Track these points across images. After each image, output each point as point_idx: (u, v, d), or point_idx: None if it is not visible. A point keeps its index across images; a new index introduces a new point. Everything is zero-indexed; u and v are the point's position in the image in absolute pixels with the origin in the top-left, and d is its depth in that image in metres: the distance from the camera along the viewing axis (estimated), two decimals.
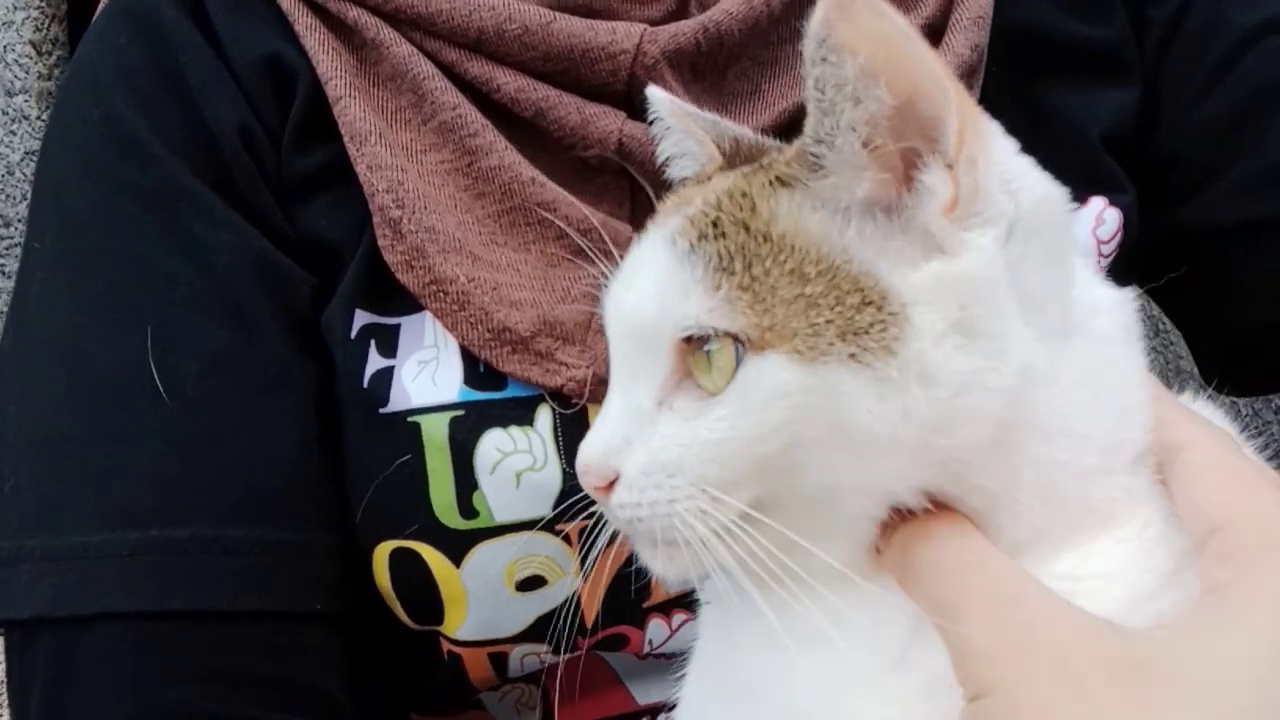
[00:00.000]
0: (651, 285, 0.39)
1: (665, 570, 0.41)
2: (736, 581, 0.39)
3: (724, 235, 0.38)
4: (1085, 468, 0.39)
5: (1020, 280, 0.37)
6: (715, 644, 0.45)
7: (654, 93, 0.49)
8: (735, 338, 0.37)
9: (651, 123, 0.49)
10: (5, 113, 1.38)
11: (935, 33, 0.63)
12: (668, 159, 0.49)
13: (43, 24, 1.44)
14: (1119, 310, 0.42)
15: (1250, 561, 0.35)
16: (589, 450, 0.41)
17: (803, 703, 0.39)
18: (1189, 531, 0.37)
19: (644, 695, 0.62)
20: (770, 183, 0.39)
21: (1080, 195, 0.63)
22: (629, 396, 0.40)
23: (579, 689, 0.61)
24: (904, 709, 0.38)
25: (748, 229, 0.38)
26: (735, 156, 0.45)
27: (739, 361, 0.37)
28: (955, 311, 0.36)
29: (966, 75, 0.62)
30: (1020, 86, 0.66)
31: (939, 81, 0.35)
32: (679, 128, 0.48)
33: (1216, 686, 0.33)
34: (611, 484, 0.40)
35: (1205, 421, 0.41)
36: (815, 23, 0.35)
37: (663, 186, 0.60)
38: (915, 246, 0.37)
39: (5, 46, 1.37)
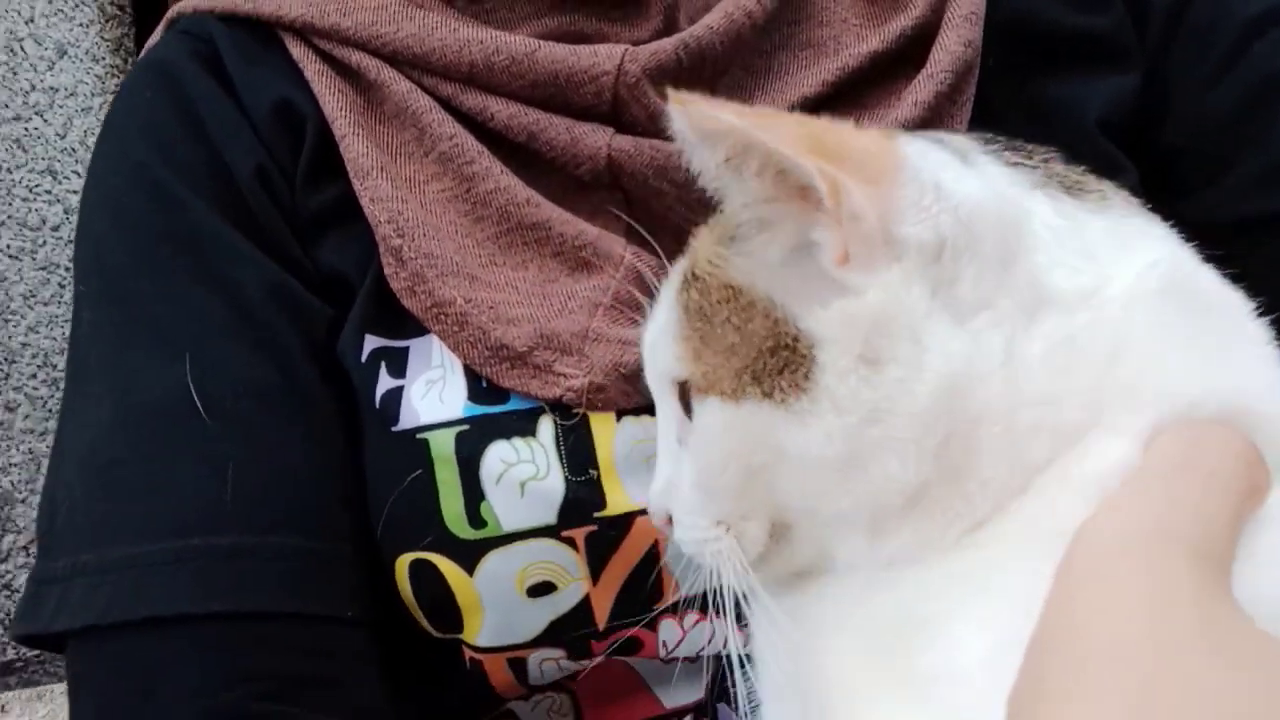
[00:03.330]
0: (657, 331, 0.44)
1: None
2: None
3: (692, 286, 0.42)
4: (1067, 423, 0.38)
5: (953, 296, 0.38)
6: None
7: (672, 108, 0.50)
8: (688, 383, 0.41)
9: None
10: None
11: (928, 32, 0.64)
12: (697, 175, 0.49)
13: None
14: (1148, 272, 0.40)
15: None
16: (650, 496, 0.46)
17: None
18: None
19: (670, 698, 0.64)
20: (721, 239, 0.42)
21: None
22: (667, 437, 0.45)
23: (607, 694, 0.63)
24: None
25: (707, 281, 0.42)
26: None
27: None
28: (859, 346, 0.38)
29: (962, 72, 0.62)
30: (1017, 80, 0.66)
31: (791, 159, 0.37)
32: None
33: None
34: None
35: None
36: (674, 122, 0.38)
37: (654, 195, 0.61)
38: (827, 286, 0.39)
39: (100, 106, 1.46)
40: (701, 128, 0.37)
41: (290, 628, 0.55)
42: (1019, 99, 0.65)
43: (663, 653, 0.60)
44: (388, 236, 0.59)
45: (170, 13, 0.70)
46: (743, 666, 0.45)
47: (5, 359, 1.25)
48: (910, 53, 0.64)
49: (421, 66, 0.62)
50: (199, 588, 0.53)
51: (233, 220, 0.61)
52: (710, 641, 0.60)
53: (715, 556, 0.43)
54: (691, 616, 0.59)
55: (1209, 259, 0.67)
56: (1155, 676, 0.32)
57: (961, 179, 0.40)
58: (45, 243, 1.31)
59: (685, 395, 0.43)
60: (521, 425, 0.57)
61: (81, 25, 1.42)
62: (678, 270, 0.45)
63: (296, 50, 0.64)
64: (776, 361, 0.39)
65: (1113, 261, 0.40)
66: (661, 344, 0.44)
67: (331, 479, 0.59)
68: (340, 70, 0.64)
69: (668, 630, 0.60)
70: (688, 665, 0.62)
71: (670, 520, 0.45)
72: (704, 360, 0.41)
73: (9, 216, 1.29)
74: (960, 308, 0.38)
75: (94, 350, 0.60)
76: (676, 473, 0.45)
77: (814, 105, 0.64)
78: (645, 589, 0.58)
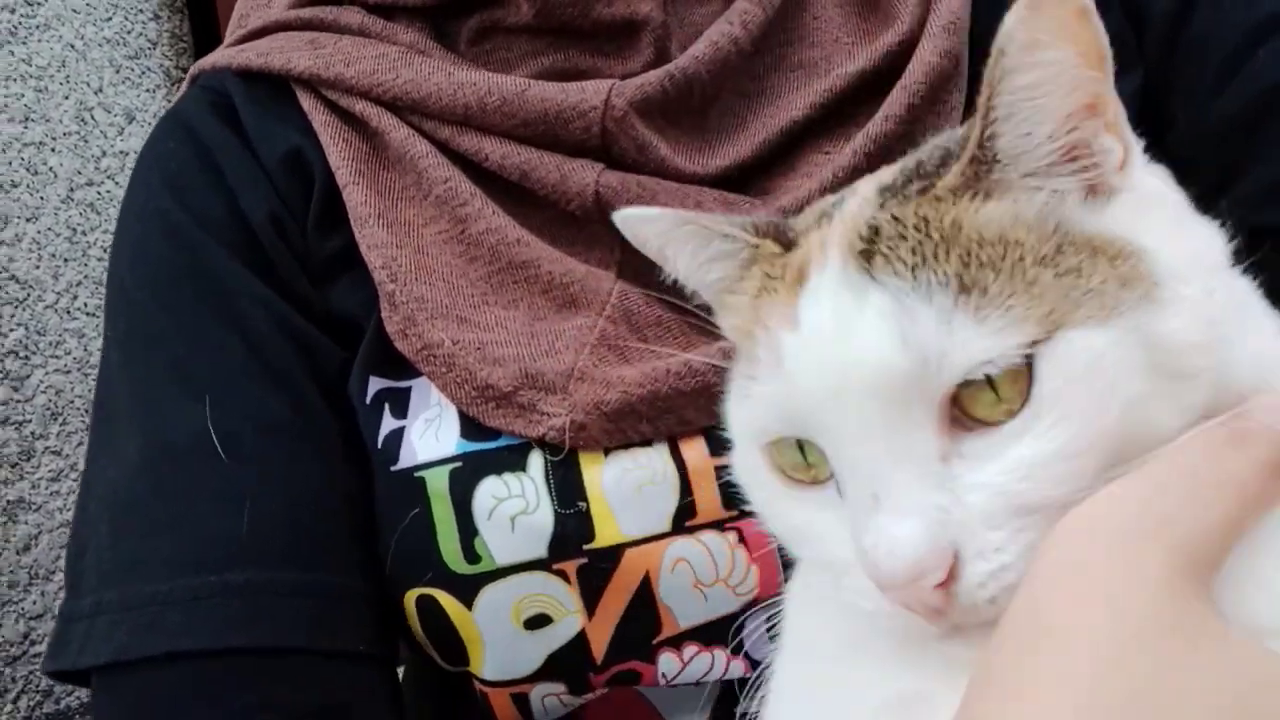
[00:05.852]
0: (889, 330, 0.35)
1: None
2: None
3: (937, 258, 0.36)
4: None
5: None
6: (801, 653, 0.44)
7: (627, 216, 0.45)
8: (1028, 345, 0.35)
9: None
10: None
11: (912, 46, 0.63)
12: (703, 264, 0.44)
13: None
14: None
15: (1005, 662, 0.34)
16: (904, 554, 0.35)
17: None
18: None
19: None
20: (963, 197, 0.38)
21: None
22: (900, 466, 0.36)
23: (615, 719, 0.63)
24: None
25: (957, 244, 0.36)
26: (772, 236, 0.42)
27: (1031, 367, 0.35)
28: (1161, 212, 0.41)
29: (942, 83, 0.62)
30: None
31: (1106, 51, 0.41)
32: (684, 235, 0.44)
33: None
34: (949, 572, 0.35)
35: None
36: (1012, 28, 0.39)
37: None
38: (1091, 205, 0.39)
39: None
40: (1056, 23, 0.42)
41: (304, 662, 0.57)
42: None
43: (661, 682, 0.60)
44: (382, 282, 0.60)
45: (193, 70, 0.74)
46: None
47: (86, 409, 1.31)
48: (900, 66, 0.64)
49: (420, 111, 0.64)
50: (216, 624, 0.55)
51: (248, 263, 0.63)
52: (710, 671, 0.59)
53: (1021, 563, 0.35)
54: (691, 648, 0.59)
55: None
56: (1108, 665, 0.32)
57: None
58: None
59: (959, 402, 0.36)
60: (512, 460, 0.58)
61: (148, 90, 1.50)
62: (834, 262, 0.38)
63: (306, 101, 0.67)
64: (1122, 263, 0.37)
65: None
66: (924, 335, 0.35)
67: (345, 513, 0.60)
68: (346, 119, 0.66)
69: (667, 663, 0.60)
70: (696, 690, 0.61)
71: (952, 564, 0.35)
72: (1042, 303, 0.35)
73: (85, 276, 1.36)
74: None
75: (120, 390, 0.62)
76: (952, 499, 0.35)
77: (803, 127, 0.64)
78: (642, 623, 0.58)
